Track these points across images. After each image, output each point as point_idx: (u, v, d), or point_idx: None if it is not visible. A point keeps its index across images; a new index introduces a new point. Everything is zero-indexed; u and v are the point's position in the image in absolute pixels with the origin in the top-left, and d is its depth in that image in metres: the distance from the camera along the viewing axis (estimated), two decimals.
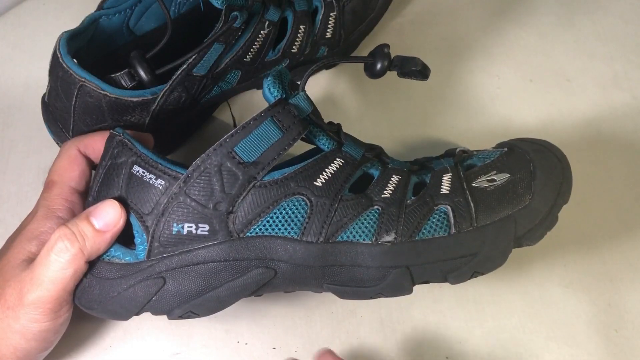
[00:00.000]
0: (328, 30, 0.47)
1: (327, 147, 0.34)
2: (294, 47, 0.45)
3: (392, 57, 0.36)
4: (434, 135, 0.48)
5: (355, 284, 0.35)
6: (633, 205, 0.45)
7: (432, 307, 0.41)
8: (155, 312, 0.34)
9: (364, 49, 0.52)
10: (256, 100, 0.49)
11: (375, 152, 0.37)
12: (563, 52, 0.52)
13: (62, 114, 0.40)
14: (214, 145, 0.32)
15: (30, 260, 0.33)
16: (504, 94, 0.50)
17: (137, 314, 0.34)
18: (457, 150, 0.39)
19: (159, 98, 0.40)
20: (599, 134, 0.48)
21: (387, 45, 0.36)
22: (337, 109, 0.49)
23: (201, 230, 0.33)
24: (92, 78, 0.37)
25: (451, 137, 0.48)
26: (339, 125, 0.37)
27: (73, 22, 0.40)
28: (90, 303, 0.33)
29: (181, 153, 0.46)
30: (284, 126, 0.33)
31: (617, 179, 0.46)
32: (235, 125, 0.48)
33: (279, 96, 0.33)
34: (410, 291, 0.35)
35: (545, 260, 0.38)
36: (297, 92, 0.33)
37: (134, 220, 0.33)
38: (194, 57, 0.39)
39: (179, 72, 0.39)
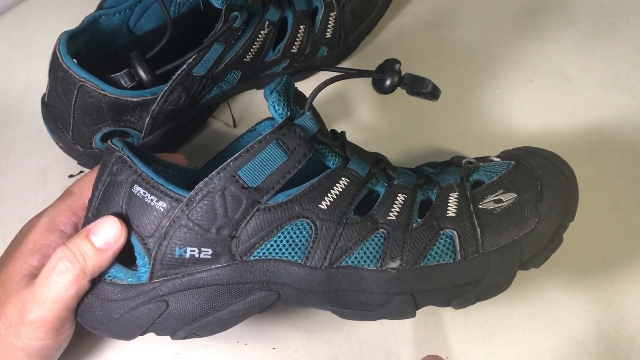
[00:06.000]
0: (328, 30, 0.47)
1: (333, 165, 0.34)
2: (293, 47, 0.45)
3: (402, 75, 0.35)
4: (435, 135, 0.48)
5: (358, 307, 0.34)
6: (633, 206, 0.45)
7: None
8: (159, 334, 0.34)
9: (364, 49, 0.52)
10: (256, 100, 0.49)
11: (380, 166, 0.36)
12: (563, 52, 0.52)
13: (62, 114, 0.40)
14: (217, 169, 0.31)
15: (32, 274, 0.33)
16: (504, 94, 0.50)
17: (141, 335, 0.34)
18: (463, 162, 0.39)
19: (159, 98, 0.40)
20: (599, 134, 0.48)
21: (398, 62, 0.35)
22: (338, 109, 0.49)
23: (204, 254, 0.32)
24: (92, 78, 0.37)
25: (451, 137, 0.48)
26: (343, 135, 0.36)
27: (73, 22, 0.40)
28: (93, 323, 0.33)
29: (181, 153, 0.46)
30: (289, 149, 0.32)
31: (617, 179, 0.46)
32: (235, 126, 0.48)
33: (284, 114, 0.32)
34: (413, 315, 0.35)
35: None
36: (303, 112, 0.33)
37: (135, 242, 0.32)
38: (194, 57, 0.39)
39: (178, 72, 0.39)
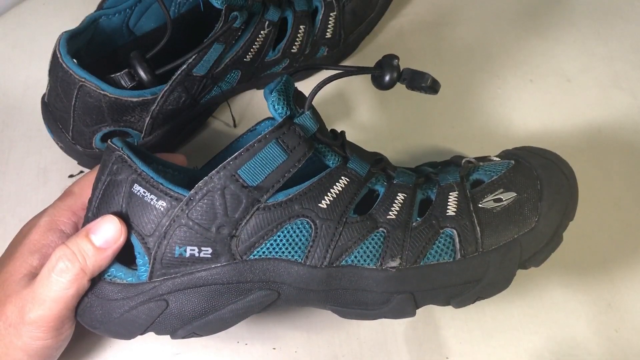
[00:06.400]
0: (328, 30, 0.47)
1: (333, 164, 0.34)
2: (293, 47, 0.45)
3: (401, 70, 0.35)
4: (435, 135, 0.48)
5: (358, 306, 0.34)
6: (633, 206, 0.45)
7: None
8: (159, 333, 0.34)
9: (364, 49, 0.52)
10: (256, 100, 0.49)
11: (380, 166, 0.36)
12: (563, 52, 0.52)
13: (62, 114, 0.40)
14: (217, 168, 0.31)
15: (32, 274, 0.33)
16: (504, 94, 0.50)
17: (141, 334, 0.34)
18: (463, 161, 0.39)
19: (159, 98, 0.40)
20: (599, 134, 0.48)
21: (397, 57, 0.35)
22: (337, 109, 0.49)
23: (204, 253, 0.32)
24: (92, 78, 0.37)
25: (451, 137, 0.48)
26: (343, 135, 0.36)
27: (73, 22, 0.40)
28: (93, 323, 0.33)
29: (181, 153, 0.46)
30: (289, 148, 0.32)
31: (617, 179, 0.46)
32: (235, 126, 0.48)
33: (284, 114, 0.32)
34: (413, 314, 0.35)
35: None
36: (302, 111, 0.33)
37: (135, 242, 0.32)
38: (194, 57, 0.39)
39: (179, 72, 0.39)
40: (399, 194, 0.35)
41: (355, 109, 0.49)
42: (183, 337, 0.34)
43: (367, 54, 0.52)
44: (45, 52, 0.41)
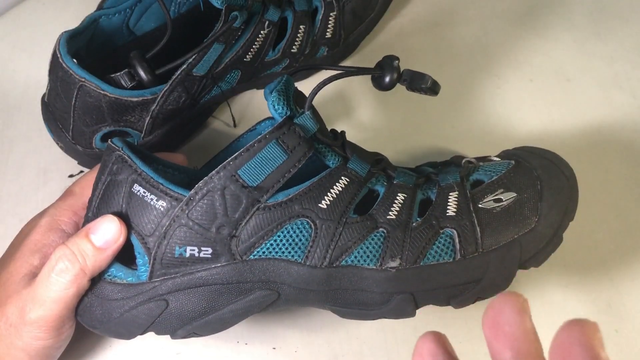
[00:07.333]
0: (328, 30, 0.47)
1: (333, 164, 0.34)
2: (293, 47, 0.45)
3: (401, 71, 0.35)
4: (435, 135, 0.48)
5: (358, 306, 0.34)
6: (633, 206, 0.45)
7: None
8: (159, 333, 0.34)
9: (364, 49, 0.52)
10: (256, 100, 0.49)
11: (380, 166, 0.36)
12: (563, 52, 0.52)
13: (62, 114, 0.40)
14: (217, 168, 0.31)
15: (33, 274, 0.33)
16: (504, 94, 0.50)
17: (141, 334, 0.34)
18: (463, 161, 0.39)
19: (159, 98, 0.40)
20: (599, 134, 0.48)
21: (397, 58, 0.35)
22: (337, 109, 0.49)
23: (204, 254, 0.32)
24: (92, 78, 0.37)
25: (451, 137, 0.48)
26: (343, 135, 0.36)
27: (73, 22, 0.40)
28: (93, 322, 0.33)
29: (181, 153, 0.46)
30: (289, 148, 0.32)
31: (617, 179, 0.46)
32: (235, 125, 0.48)
33: (284, 114, 0.32)
34: (413, 315, 0.35)
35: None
36: (303, 111, 0.33)
37: (135, 241, 0.32)
38: (194, 57, 0.39)
39: (179, 72, 0.40)
40: (399, 194, 0.35)
41: (355, 109, 0.49)
42: (183, 337, 0.34)
43: (367, 54, 0.52)
44: (45, 52, 0.41)
